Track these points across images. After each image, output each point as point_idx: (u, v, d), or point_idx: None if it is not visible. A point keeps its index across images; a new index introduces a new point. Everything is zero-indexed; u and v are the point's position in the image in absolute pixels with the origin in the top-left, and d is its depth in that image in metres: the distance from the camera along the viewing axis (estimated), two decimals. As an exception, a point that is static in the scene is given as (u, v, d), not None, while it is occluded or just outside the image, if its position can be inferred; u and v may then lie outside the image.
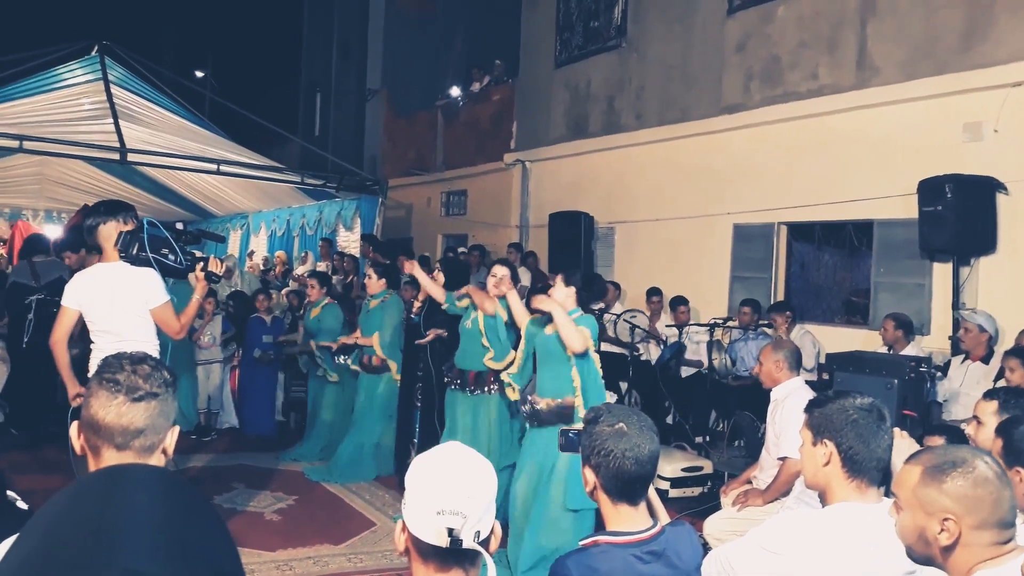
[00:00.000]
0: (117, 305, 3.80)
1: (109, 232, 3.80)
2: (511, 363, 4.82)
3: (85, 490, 1.04)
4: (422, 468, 1.52)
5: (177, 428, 1.73)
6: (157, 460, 1.65)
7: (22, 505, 2.41)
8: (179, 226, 4.01)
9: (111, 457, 1.60)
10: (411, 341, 6.09)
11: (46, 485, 3.81)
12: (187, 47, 25.10)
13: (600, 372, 4.31)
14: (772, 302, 7.55)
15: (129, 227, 3.82)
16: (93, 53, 9.62)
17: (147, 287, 3.80)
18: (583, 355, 4.18)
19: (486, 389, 5.15)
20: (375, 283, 6.32)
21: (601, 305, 8.29)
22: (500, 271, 4.95)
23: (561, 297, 4.31)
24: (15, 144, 7.99)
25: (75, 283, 3.90)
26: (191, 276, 4.03)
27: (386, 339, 6.20)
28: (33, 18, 22.72)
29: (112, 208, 3.94)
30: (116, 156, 8.44)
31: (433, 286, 5.46)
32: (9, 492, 2.39)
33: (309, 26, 19.77)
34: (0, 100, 9.08)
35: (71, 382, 3.81)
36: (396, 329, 6.29)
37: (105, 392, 1.62)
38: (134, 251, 3.72)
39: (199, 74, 23.12)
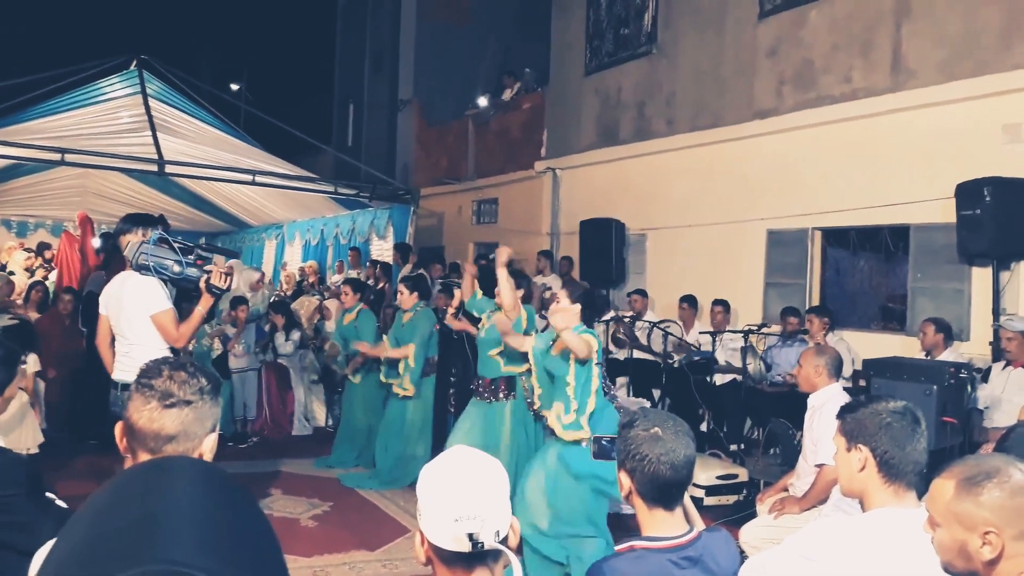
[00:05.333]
0: (124, 311, 4.08)
1: (128, 242, 4.09)
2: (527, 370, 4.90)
3: (129, 481, 1.05)
4: (432, 477, 1.53)
5: (216, 435, 1.73)
6: None
7: (61, 504, 2.47)
8: (201, 241, 4.21)
9: (145, 460, 1.63)
10: (444, 348, 6.12)
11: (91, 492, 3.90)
12: (223, 61, 25.55)
13: (598, 384, 4.27)
14: (807, 308, 7.47)
15: (146, 238, 4.06)
16: (132, 67, 9.83)
17: (148, 294, 4.02)
18: (582, 362, 4.18)
19: (500, 396, 5.16)
20: (407, 298, 6.34)
21: (631, 314, 8.26)
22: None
23: (567, 314, 4.32)
24: (57, 157, 8.19)
25: (104, 291, 4.30)
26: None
27: (419, 354, 6.23)
28: (74, 34, 23.26)
29: (136, 220, 4.27)
30: (154, 168, 8.61)
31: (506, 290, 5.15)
32: (47, 493, 2.45)
33: (342, 39, 20.01)
34: (43, 114, 9.32)
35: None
36: (427, 340, 6.32)
37: (140, 396, 1.66)
38: (137, 260, 3.95)
39: (234, 87, 23.51)
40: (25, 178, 10.93)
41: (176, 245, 4.02)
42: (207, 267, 4.04)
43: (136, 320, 4.04)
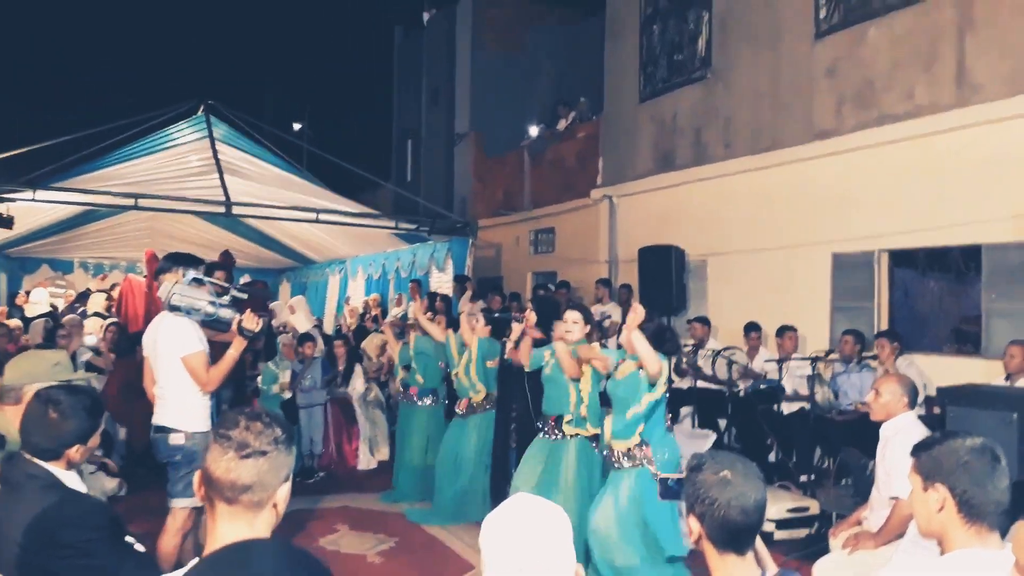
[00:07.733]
0: (159, 353, 4.01)
1: (165, 282, 4.06)
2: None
3: (216, 563, 1.10)
4: (494, 530, 1.53)
5: (289, 484, 1.75)
6: (268, 515, 1.68)
7: (139, 547, 2.54)
8: (243, 280, 4.23)
9: (222, 509, 1.66)
10: (504, 383, 6.11)
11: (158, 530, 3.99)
12: (285, 102, 26.38)
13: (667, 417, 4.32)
14: (876, 333, 7.27)
15: (182, 279, 4.02)
16: (199, 113, 10.19)
17: (179, 336, 3.95)
18: (656, 399, 4.22)
19: (565, 434, 5.05)
20: (481, 328, 6.37)
21: (693, 343, 8.14)
22: (571, 315, 4.92)
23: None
24: (131, 202, 8.52)
25: (145, 333, 4.24)
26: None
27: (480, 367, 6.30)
28: (145, 84, 24.29)
29: (176, 259, 4.22)
30: (222, 209, 8.88)
31: (524, 353, 5.38)
32: (127, 537, 2.52)
33: (399, 76, 20.44)
34: (116, 161, 9.71)
35: None
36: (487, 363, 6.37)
37: (217, 447, 1.69)
38: (170, 301, 3.91)
39: (297, 127, 24.20)
40: (100, 222, 11.41)
41: (210, 286, 3.98)
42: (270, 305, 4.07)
43: (168, 362, 3.96)
